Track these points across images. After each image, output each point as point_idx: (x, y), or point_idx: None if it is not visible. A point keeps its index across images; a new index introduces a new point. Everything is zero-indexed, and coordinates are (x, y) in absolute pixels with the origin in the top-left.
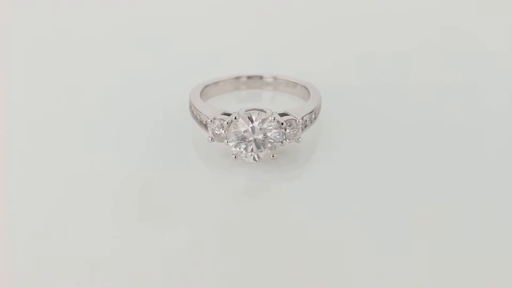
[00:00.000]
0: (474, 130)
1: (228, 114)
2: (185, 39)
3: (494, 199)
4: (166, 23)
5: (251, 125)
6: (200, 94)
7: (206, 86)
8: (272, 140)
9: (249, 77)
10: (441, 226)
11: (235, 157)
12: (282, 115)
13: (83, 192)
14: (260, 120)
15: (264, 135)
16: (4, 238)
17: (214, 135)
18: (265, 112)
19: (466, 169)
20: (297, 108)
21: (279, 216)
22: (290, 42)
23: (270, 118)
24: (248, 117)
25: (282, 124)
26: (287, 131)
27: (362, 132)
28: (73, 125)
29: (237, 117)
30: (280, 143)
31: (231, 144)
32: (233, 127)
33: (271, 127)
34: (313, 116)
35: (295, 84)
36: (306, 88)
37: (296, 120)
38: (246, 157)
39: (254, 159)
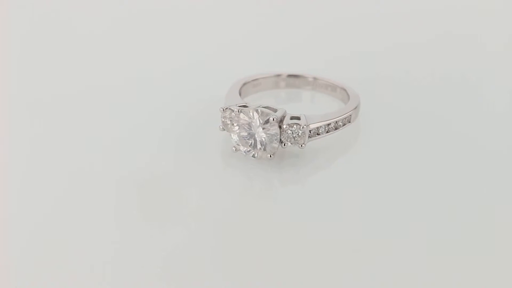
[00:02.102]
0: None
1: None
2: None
3: None
4: (204, 18)
5: (251, 121)
6: (240, 89)
7: (245, 83)
8: (269, 140)
9: (289, 76)
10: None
11: (235, 150)
12: (294, 118)
13: (91, 189)
14: (262, 118)
15: (265, 134)
16: (5, 237)
17: (224, 124)
18: (275, 111)
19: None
20: (317, 115)
21: (278, 217)
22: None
23: (270, 118)
24: (251, 113)
25: (285, 127)
26: (290, 135)
27: (371, 134)
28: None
29: (240, 110)
30: (277, 145)
31: (232, 136)
32: (236, 120)
33: (270, 127)
34: (331, 126)
35: (334, 86)
36: (346, 91)
37: (300, 126)
38: (245, 152)
39: (253, 156)
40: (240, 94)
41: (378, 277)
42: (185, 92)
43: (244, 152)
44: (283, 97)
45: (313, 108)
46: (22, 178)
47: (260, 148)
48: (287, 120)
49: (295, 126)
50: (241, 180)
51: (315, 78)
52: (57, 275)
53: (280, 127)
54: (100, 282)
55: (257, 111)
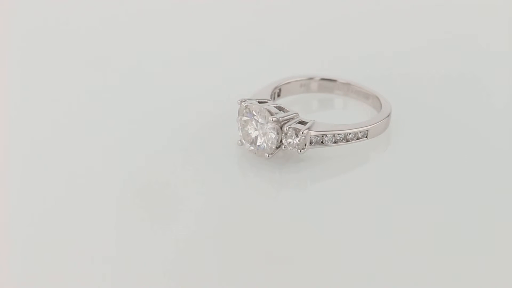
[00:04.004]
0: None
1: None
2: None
3: None
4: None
5: (255, 118)
6: (274, 90)
7: (277, 86)
8: (268, 140)
9: (322, 79)
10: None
11: (240, 144)
12: (301, 122)
13: (94, 187)
14: (264, 117)
15: (266, 133)
16: (5, 238)
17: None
18: (287, 111)
19: None
20: (327, 124)
21: (278, 217)
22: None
23: (271, 118)
24: (257, 110)
25: (285, 129)
26: (290, 138)
27: (394, 149)
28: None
29: (247, 105)
30: (275, 146)
31: (239, 130)
32: (243, 115)
33: (270, 127)
34: (340, 137)
35: (367, 94)
36: (379, 100)
37: (300, 131)
38: (247, 147)
39: (254, 153)
40: (273, 96)
41: (378, 278)
42: (205, 90)
43: (247, 148)
44: (315, 102)
45: (343, 115)
46: (36, 174)
47: (259, 146)
48: (290, 123)
49: (294, 130)
50: (242, 179)
51: (348, 84)
52: (58, 275)
53: (282, 128)
54: (101, 281)
55: (260, 109)
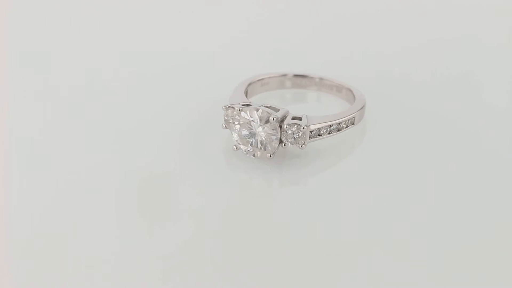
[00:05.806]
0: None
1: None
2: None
3: None
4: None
5: (252, 120)
6: (246, 89)
7: (251, 83)
8: (268, 140)
9: (295, 76)
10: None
11: (236, 149)
12: (295, 118)
13: (92, 187)
14: (262, 118)
15: (265, 133)
16: (5, 237)
17: (226, 123)
18: (277, 111)
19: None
20: (319, 116)
21: (278, 217)
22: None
23: (270, 117)
24: (252, 112)
25: (285, 127)
26: (290, 135)
27: (376, 136)
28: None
29: (241, 109)
30: (277, 145)
31: (233, 135)
32: (237, 119)
33: (269, 127)
34: (333, 128)
35: (340, 87)
36: (351, 92)
37: (301, 126)
38: (245, 151)
39: (253, 155)
40: (246, 94)
41: (378, 277)
42: (191, 91)
43: (245, 151)
44: (288, 97)
45: (318, 108)
46: (23, 176)
47: (260, 148)
48: (288, 120)
49: (295, 126)
50: (241, 180)
51: (321, 79)
52: (57, 274)
53: (280, 127)
54: (101, 281)
55: (257, 110)
